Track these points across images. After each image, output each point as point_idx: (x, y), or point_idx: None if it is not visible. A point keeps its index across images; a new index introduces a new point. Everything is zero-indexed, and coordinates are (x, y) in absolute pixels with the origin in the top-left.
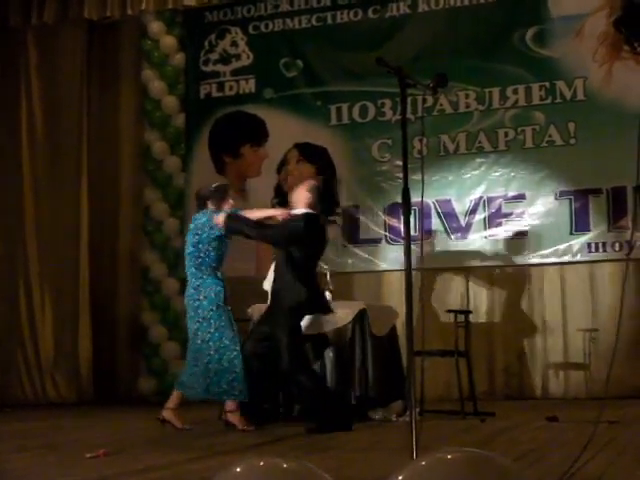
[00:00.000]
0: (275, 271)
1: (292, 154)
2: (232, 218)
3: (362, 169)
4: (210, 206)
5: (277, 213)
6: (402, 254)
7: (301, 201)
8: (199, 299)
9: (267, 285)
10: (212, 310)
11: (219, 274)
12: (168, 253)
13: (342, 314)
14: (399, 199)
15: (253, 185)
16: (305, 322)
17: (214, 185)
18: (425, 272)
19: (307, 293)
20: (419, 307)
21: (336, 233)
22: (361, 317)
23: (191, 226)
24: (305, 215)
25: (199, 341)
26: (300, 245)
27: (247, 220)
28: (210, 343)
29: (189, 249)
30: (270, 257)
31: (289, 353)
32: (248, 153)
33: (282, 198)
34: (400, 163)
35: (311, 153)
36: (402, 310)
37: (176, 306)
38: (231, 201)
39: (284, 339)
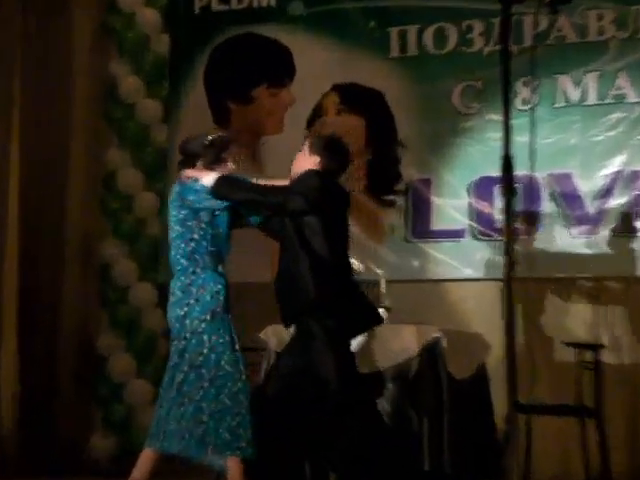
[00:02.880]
0: (282, 268)
1: (330, 100)
2: (224, 180)
3: (437, 125)
4: (199, 167)
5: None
6: (497, 256)
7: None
8: (188, 303)
9: None
10: (206, 320)
11: (220, 268)
12: (140, 244)
13: (404, 344)
14: (493, 172)
15: (271, 146)
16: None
17: (210, 137)
18: (531, 283)
19: (333, 287)
20: (522, 337)
21: (395, 221)
22: (433, 349)
23: (171, 199)
24: (316, 172)
25: (186, 367)
26: (319, 212)
27: (244, 183)
28: (203, 370)
29: (174, 230)
30: None
31: (339, 386)
32: (264, 97)
33: None
34: (496, 117)
35: (359, 99)
36: (494, 340)
37: (150, 324)
38: (230, 165)
39: (328, 367)
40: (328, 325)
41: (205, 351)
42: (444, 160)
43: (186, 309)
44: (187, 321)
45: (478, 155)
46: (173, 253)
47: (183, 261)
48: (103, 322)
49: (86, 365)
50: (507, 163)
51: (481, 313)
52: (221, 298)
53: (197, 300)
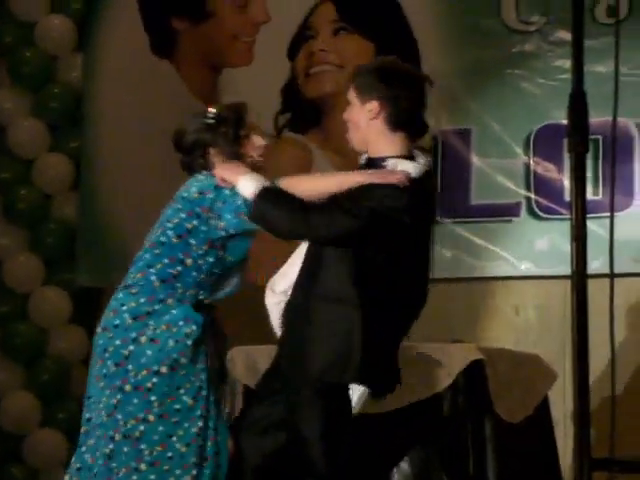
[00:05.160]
0: (303, 271)
1: (323, 14)
2: (268, 193)
3: (479, 51)
4: (214, 159)
5: (361, 180)
6: (568, 242)
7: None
8: (137, 339)
9: (273, 298)
10: (159, 373)
11: (203, 298)
12: (45, 232)
13: (430, 371)
14: (558, 117)
15: (236, 83)
16: (357, 396)
17: (212, 111)
18: (619, 282)
19: (365, 335)
20: (602, 360)
21: None
22: (472, 379)
23: (183, 193)
24: (410, 185)
25: (118, 435)
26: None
27: (287, 196)
28: (142, 445)
29: (164, 235)
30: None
31: (325, 465)
32: (226, 11)
33: (298, 113)
34: (566, 37)
35: (365, 13)
36: (561, 365)
37: (61, 348)
38: (260, 140)
39: (311, 437)
40: (324, 360)
41: (151, 417)
42: (489, 102)
43: (132, 348)
44: (129, 366)
45: (540, 93)
46: (148, 257)
47: (154, 279)
48: None
49: None
50: (579, 103)
51: (543, 326)
52: (189, 343)
53: (152, 340)
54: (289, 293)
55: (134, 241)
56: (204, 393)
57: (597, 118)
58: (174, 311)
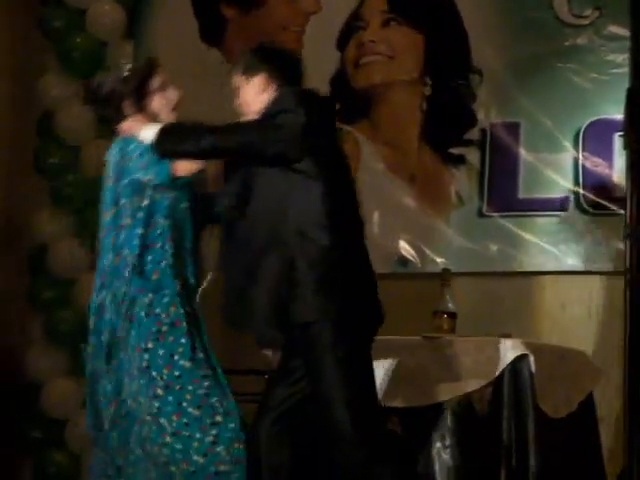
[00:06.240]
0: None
1: (374, 5)
2: (168, 130)
3: (530, 44)
4: (127, 110)
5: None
6: (617, 238)
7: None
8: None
9: None
10: (147, 350)
11: (181, 283)
12: (92, 217)
13: (474, 365)
14: (613, 112)
15: None
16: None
17: (127, 66)
18: None
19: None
20: None
21: (465, 186)
22: (517, 374)
23: (111, 172)
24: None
25: (146, 418)
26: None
27: (195, 127)
28: (162, 419)
29: (124, 222)
30: None
31: (355, 426)
32: (276, 1)
33: (347, 104)
34: (620, 31)
35: (416, 5)
36: (608, 362)
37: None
38: (174, 94)
39: (338, 397)
40: (333, 331)
41: (159, 392)
42: (539, 96)
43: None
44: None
45: (591, 88)
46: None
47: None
48: (35, 333)
49: (9, 395)
50: (635, 99)
51: (590, 322)
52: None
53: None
54: None
55: None
56: (200, 355)
57: None
58: (160, 297)
